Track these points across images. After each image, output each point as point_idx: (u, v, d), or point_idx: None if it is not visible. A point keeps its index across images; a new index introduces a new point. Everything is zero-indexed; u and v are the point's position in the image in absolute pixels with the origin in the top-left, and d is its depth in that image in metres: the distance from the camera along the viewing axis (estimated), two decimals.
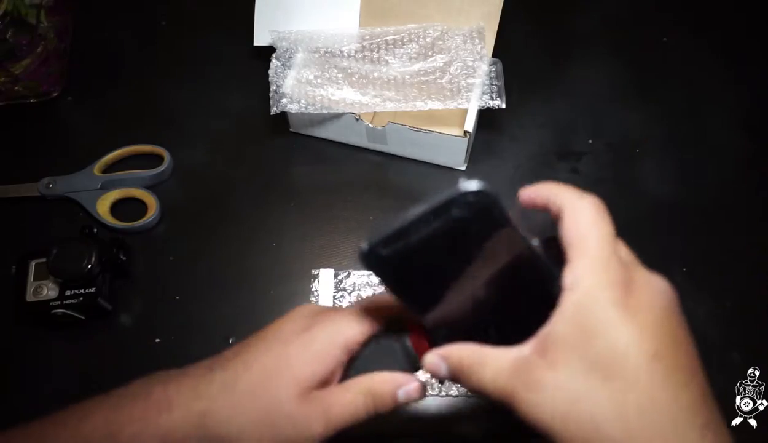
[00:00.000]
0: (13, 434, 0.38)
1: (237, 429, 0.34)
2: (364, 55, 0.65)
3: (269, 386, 0.34)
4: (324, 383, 0.35)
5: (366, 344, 0.37)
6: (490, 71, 0.61)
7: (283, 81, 0.62)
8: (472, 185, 0.30)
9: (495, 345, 0.33)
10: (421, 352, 0.35)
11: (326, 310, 0.37)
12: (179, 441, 0.34)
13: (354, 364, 0.38)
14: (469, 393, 0.55)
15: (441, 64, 0.63)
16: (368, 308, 0.36)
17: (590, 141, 0.67)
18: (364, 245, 0.31)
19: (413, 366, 0.40)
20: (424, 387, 0.36)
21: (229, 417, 0.34)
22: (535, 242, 0.32)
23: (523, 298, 0.33)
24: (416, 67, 0.63)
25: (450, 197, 0.31)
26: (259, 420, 0.34)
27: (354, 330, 0.35)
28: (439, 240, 0.31)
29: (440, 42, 0.64)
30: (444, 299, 0.33)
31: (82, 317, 0.57)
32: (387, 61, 0.64)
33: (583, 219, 0.32)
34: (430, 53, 0.64)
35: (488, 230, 0.32)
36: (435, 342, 0.34)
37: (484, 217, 0.31)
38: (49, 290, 0.56)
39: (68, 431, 0.36)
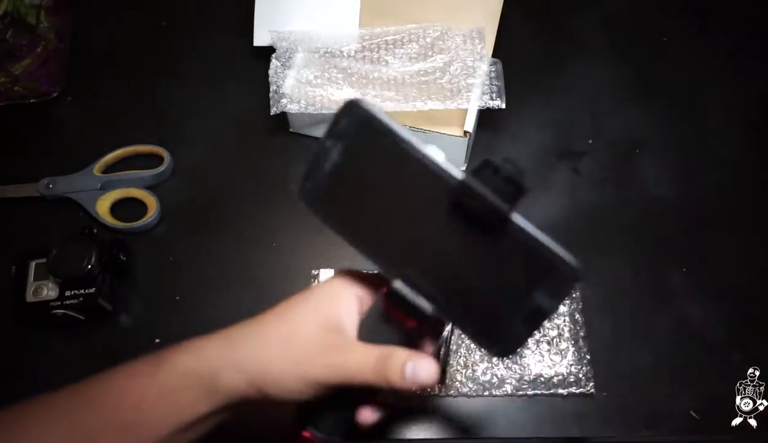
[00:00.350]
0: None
1: (262, 352, 0.37)
2: (364, 56, 0.65)
3: (290, 316, 0.37)
4: (341, 329, 0.37)
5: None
6: (490, 71, 0.61)
7: (283, 81, 0.62)
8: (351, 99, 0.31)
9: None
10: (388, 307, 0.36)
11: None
12: (212, 361, 0.37)
13: None
14: (469, 393, 0.55)
15: (441, 65, 0.63)
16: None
17: (590, 141, 0.67)
18: (294, 186, 0.33)
19: None
20: (436, 370, 0.35)
21: (254, 342, 0.37)
22: (429, 150, 0.32)
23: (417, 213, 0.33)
24: (416, 67, 0.63)
25: (335, 116, 0.32)
26: (283, 340, 0.36)
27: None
28: (345, 161, 0.33)
29: (440, 42, 0.64)
30: (372, 225, 0.34)
31: (82, 318, 0.57)
32: (387, 62, 0.64)
33: None
34: (430, 53, 0.64)
35: (376, 145, 0.32)
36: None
37: (368, 130, 0.32)
38: (49, 291, 0.56)
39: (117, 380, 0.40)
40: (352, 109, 0.32)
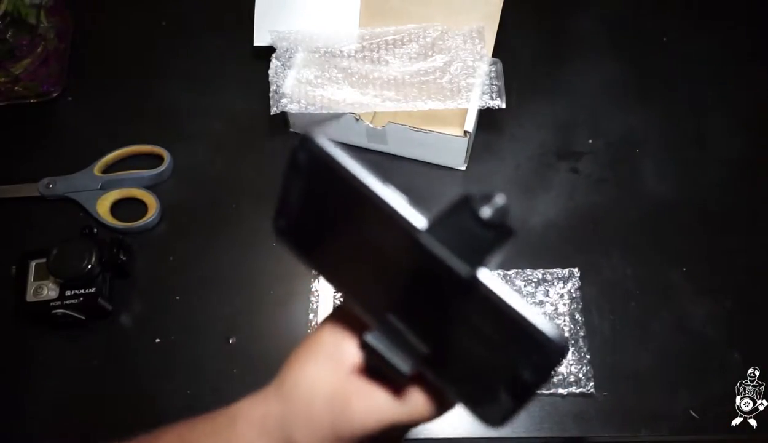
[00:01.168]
0: None
1: (292, 418, 0.33)
2: (364, 55, 0.65)
3: (314, 370, 0.33)
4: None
5: None
6: (490, 71, 0.61)
7: (283, 81, 0.62)
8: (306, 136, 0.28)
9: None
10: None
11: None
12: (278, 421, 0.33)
13: None
14: None
15: (441, 64, 0.63)
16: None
17: (590, 141, 0.67)
18: (274, 228, 0.30)
19: None
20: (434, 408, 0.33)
21: (285, 411, 0.33)
22: (387, 193, 0.27)
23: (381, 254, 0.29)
24: (416, 67, 0.63)
25: (291, 151, 0.29)
26: (307, 402, 0.33)
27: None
28: (308, 199, 0.31)
29: (440, 42, 0.64)
30: (345, 268, 0.31)
31: (82, 318, 0.57)
32: (387, 61, 0.64)
33: None
34: (430, 53, 0.64)
35: (333, 184, 0.28)
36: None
37: (323, 168, 0.28)
38: (50, 291, 0.57)
39: None
40: (306, 145, 0.29)
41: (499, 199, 0.26)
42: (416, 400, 0.32)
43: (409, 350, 0.29)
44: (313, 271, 0.32)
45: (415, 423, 0.33)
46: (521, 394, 0.28)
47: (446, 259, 0.25)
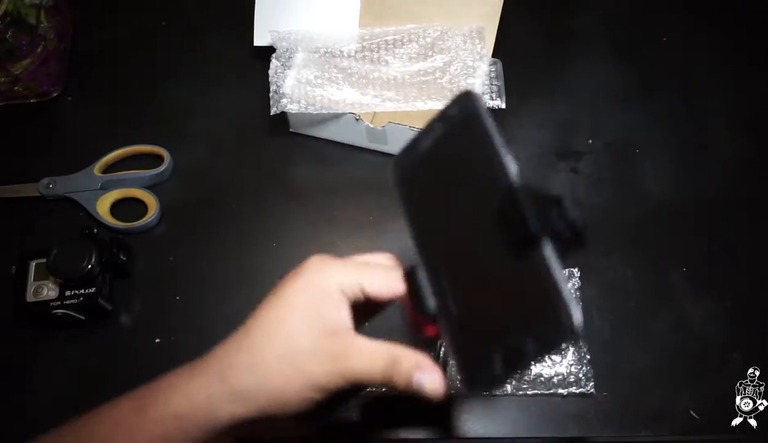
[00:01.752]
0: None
1: (259, 375, 0.35)
2: (364, 56, 0.65)
3: (281, 328, 0.36)
4: (336, 328, 0.36)
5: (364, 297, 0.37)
6: (490, 71, 0.61)
7: (283, 81, 0.62)
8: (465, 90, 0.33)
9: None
10: (414, 322, 0.37)
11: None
12: (206, 400, 0.35)
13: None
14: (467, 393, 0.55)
15: (441, 64, 0.63)
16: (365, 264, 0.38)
17: (590, 141, 0.67)
18: (394, 160, 0.36)
19: None
20: (442, 383, 0.34)
21: (248, 367, 0.35)
22: (508, 159, 0.32)
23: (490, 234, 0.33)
24: (416, 67, 0.63)
25: (449, 101, 0.34)
26: (280, 358, 0.35)
27: (349, 277, 0.36)
28: (440, 145, 0.35)
29: (440, 42, 0.64)
30: (433, 212, 0.36)
31: (82, 318, 0.57)
32: (387, 61, 0.64)
33: None
34: (430, 53, 0.64)
35: (471, 138, 0.34)
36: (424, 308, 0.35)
37: (469, 123, 0.34)
38: (49, 291, 0.56)
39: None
40: (464, 100, 0.34)
41: (578, 216, 0.31)
42: (399, 370, 0.34)
43: (440, 295, 0.34)
44: (403, 208, 0.37)
45: (386, 383, 0.35)
46: (516, 364, 0.31)
47: (526, 211, 0.30)
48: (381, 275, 0.37)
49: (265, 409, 0.35)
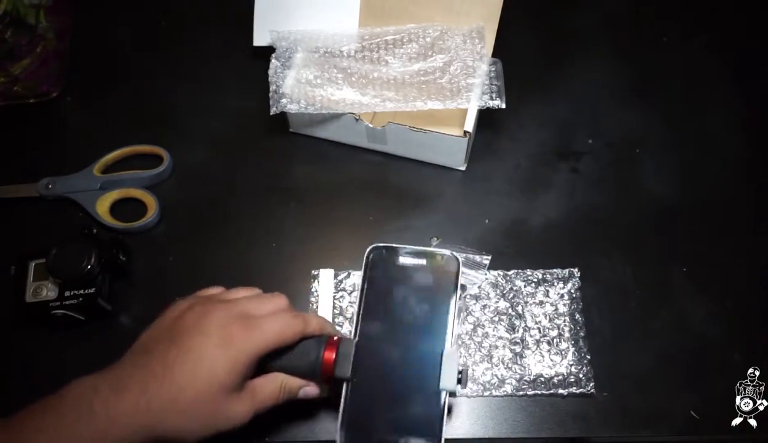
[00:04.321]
0: None
1: (179, 427, 0.41)
2: (364, 56, 0.65)
3: (199, 388, 0.41)
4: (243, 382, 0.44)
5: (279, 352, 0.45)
6: (490, 71, 0.61)
7: (283, 81, 0.62)
8: None
9: None
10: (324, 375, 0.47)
11: (241, 320, 0.44)
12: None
13: None
14: (469, 393, 0.55)
15: (441, 64, 0.63)
16: (286, 326, 0.45)
17: (590, 141, 0.67)
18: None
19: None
20: (315, 389, 0.48)
21: (173, 423, 0.41)
22: None
23: None
24: (416, 67, 0.63)
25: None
26: (194, 415, 0.41)
27: (268, 342, 0.44)
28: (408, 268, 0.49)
29: (440, 42, 0.64)
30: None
31: (82, 318, 0.57)
32: (387, 62, 0.64)
33: None
34: (429, 53, 0.64)
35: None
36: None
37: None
38: (49, 291, 0.56)
39: None
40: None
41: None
42: (287, 391, 0.47)
43: (356, 371, 0.47)
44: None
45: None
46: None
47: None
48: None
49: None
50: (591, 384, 0.54)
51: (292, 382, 0.47)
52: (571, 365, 0.55)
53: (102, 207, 0.63)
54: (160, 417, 0.40)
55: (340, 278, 0.60)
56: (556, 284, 0.59)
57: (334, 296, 0.59)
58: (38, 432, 0.39)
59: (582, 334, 0.57)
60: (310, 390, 0.48)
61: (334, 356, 0.46)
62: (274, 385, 0.46)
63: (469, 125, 0.59)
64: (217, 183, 0.66)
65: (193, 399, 0.41)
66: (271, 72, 0.63)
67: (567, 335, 0.57)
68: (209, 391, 0.41)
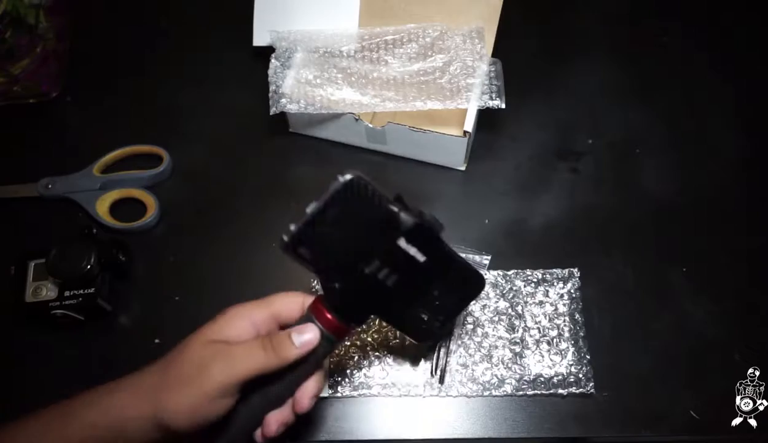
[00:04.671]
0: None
1: (154, 396, 0.40)
2: (364, 56, 0.65)
3: (181, 348, 0.41)
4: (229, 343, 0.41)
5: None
6: (490, 71, 0.61)
7: (283, 81, 0.62)
8: (346, 176, 0.42)
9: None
10: (323, 320, 0.42)
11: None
12: (120, 413, 0.40)
13: None
14: (469, 393, 0.55)
15: (440, 64, 0.63)
16: (263, 343, 0.41)
17: (590, 141, 0.67)
18: (285, 237, 0.41)
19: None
20: (314, 330, 0.41)
21: (157, 389, 0.40)
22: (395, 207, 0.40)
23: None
24: (416, 67, 0.63)
25: (333, 190, 0.41)
26: (179, 378, 0.40)
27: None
28: (336, 224, 0.41)
29: (440, 42, 0.64)
30: (341, 264, 0.42)
31: (82, 318, 0.57)
32: (386, 62, 0.64)
33: None
34: (429, 53, 0.64)
35: (365, 209, 0.41)
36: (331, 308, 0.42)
37: (362, 199, 0.41)
38: (49, 291, 0.56)
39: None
40: (351, 182, 0.42)
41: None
42: (278, 342, 0.40)
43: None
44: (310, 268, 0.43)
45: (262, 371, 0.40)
46: (446, 319, 0.47)
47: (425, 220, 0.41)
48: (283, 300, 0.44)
49: (171, 426, 0.39)
50: (591, 384, 0.54)
51: (277, 331, 0.41)
52: (571, 365, 0.55)
53: (102, 207, 0.63)
54: (149, 398, 0.40)
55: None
56: (555, 284, 0.59)
57: None
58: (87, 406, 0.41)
59: (582, 334, 0.57)
60: (306, 331, 0.41)
61: (329, 315, 0.42)
62: (251, 343, 0.40)
63: (469, 125, 0.59)
64: (217, 183, 0.66)
65: (171, 365, 0.40)
66: (270, 72, 0.63)
67: (567, 335, 0.57)
68: (185, 354, 0.41)
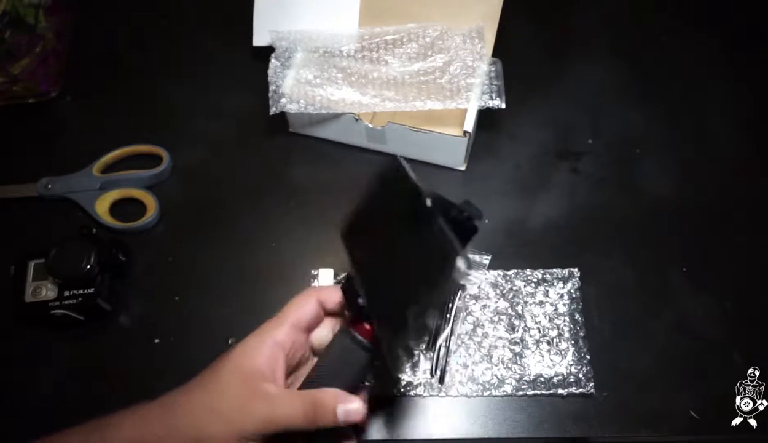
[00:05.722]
0: None
1: (195, 425, 0.39)
2: (364, 55, 0.65)
3: (215, 385, 0.40)
4: (266, 378, 0.40)
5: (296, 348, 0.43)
6: (490, 71, 0.61)
7: (283, 81, 0.62)
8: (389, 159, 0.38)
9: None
10: (363, 332, 0.41)
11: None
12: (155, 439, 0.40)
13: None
14: (469, 393, 0.55)
15: (440, 64, 0.63)
16: (291, 317, 0.43)
17: (590, 141, 0.67)
18: (343, 226, 0.40)
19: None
20: (362, 406, 0.40)
21: (188, 417, 0.40)
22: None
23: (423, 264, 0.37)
24: (416, 67, 0.63)
25: (377, 172, 0.38)
26: (210, 412, 0.39)
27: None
28: (381, 212, 0.39)
29: (440, 42, 0.64)
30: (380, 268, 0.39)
31: (81, 318, 0.57)
32: (386, 61, 0.64)
33: None
34: (429, 53, 0.64)
35: (406, 199, 0.37)
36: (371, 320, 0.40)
37: (400, 185, 0.37)
38: (48, 291, 0.56)
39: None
40: (392, 165, 0.39)
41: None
42: (322, 412, 0.39)
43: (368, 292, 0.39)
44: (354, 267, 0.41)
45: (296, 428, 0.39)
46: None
47: (451, 242, 0.34)
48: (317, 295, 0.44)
49: None
50: (591, 384, 0.54)
51: (325, 396, 0.40)
52: (571, 365, 0.55)
53: (101, 207, 0.63)
54: (183, 421, 0.40)
55: (339, 278, 0.60)
56: (555, 284, 0.59)
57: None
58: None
59: (582, 334, 0.57)
60: (352, 407, 0.39)
61: (367, 325, 0.40)
62: (299, 398, 0.40)
63: (469, 124, 0.59)
64: (217, 183, 0.66)
65: (202, 395, 0.40)
66: (270, 72, 0.63)
67: (567, 335, 0.57)
68: (221, 371, 0.40)
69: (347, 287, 0.41)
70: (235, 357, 0.41)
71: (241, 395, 0.39)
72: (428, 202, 0.35)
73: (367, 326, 0.41)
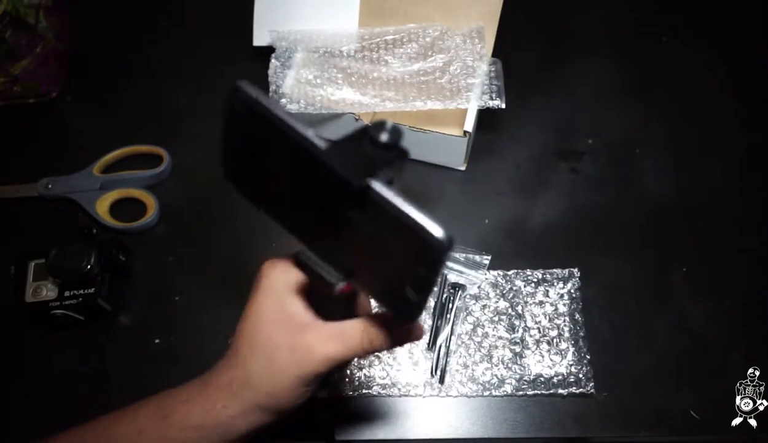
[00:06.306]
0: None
1: (255, 385, 0.38)
2: (364, 55, 0.65)
3: (259, 338, 0.38)
4: (304, 321, 0.38)
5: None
6: (490, 71, 0.61)
7: (283, 81, 0.62)
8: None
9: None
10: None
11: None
12: (223, 413, 0.38)
13: None
14: (469, 393, 0.55)
15: (441, 64, 0.63)
16: None
17: (590, 141, 0.67)
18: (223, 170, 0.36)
19: None
20: (420, 327, 0.39)
21: (246, 380, 0.38)
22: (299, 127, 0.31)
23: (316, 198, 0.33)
24: (416, 67, 0.63)
25: (228, 101, 0.33)
26: (266, 367, 0.37)
27: (290, 272, 0.38)
28: (244, 142, 0.34)
29: (440, 42, 0.64)
30: (279, 201, 0.36)
31: (82, 318, 0.57)
32: (386, 61, 0.64)
33: None
34: (429, 53, 0.64)
35: (259, 120, 0.32)
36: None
37: (254, 113, 0.32)
38: (49, 291, 0.56)
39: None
40: (236, 93, 0.32)
41: (390, 124, 0.30)
42: (362, 336, 0.37)
43: (335, 264, 0.33)
44: (258, 209, 0.38)
45: (365, 354, 0.38)
46: (422, 289, 0.32)
47: (340, 172, 0.29)
48: None
49: (279, 409, 0.38)
50: (591, 384, 0.54)
51: (376, 323, 0.38)
52: (571, 365, 0.55)
53: (102, 207, 0.63)
54: (253, 391, 0.38)
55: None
56: (555, 284, 0.59)
57: None
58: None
59: (582, 334, 0.57)
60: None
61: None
62: (349, 331, 0.38)
63: (469, 125, 0.59)
64: (217, 183, 0.65)
65: (251, 353, 0.38)
66: (270, 72, 0.63)
67: (567, 335, 0.57)
68: (261, 336, 0.38)
69: (299, 261, 0.35)
70: (265, 313, 0.39)
71: (286, 329, 0.37)
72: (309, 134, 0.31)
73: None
